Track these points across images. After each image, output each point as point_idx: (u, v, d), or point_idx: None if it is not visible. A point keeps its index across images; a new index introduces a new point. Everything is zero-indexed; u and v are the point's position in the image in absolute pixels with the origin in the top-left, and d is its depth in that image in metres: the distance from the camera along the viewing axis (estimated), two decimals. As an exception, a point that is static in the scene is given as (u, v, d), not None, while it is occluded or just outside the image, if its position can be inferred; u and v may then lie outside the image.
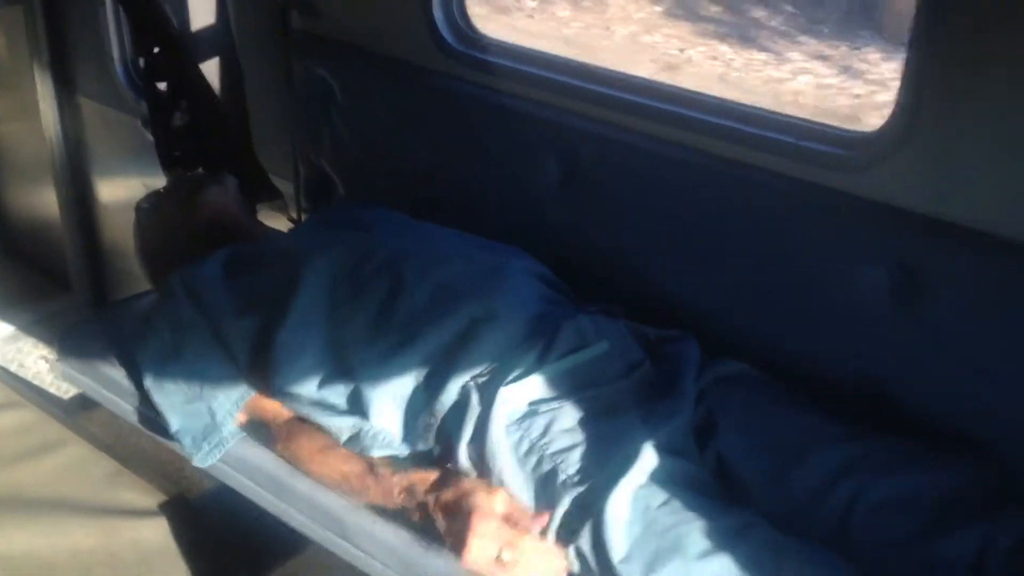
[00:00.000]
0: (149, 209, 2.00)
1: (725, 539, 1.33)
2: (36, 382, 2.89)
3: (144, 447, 2.61)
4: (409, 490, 1.49)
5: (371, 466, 1.54)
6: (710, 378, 1.60)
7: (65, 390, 2.89)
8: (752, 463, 1.50)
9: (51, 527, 2.26)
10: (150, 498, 2.36)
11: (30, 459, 2.46)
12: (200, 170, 2.12)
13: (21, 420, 2.60)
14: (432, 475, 1.49)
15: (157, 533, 2.28)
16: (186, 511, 2.35)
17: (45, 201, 3.04)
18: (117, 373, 1.82)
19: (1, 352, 2.95)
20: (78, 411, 2.76)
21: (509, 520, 1.41)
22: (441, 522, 1.44)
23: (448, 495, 1.45)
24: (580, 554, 1.38)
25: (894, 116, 1.51)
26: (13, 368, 2.91)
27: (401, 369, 1.56)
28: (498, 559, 1.38)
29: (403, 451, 1.56)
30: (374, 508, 1.54)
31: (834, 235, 1.61)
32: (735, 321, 1.72)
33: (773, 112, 1.68)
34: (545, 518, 1.41)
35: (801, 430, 1.53)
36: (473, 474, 1.49)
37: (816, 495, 1.44)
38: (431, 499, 1.46)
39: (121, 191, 2.91)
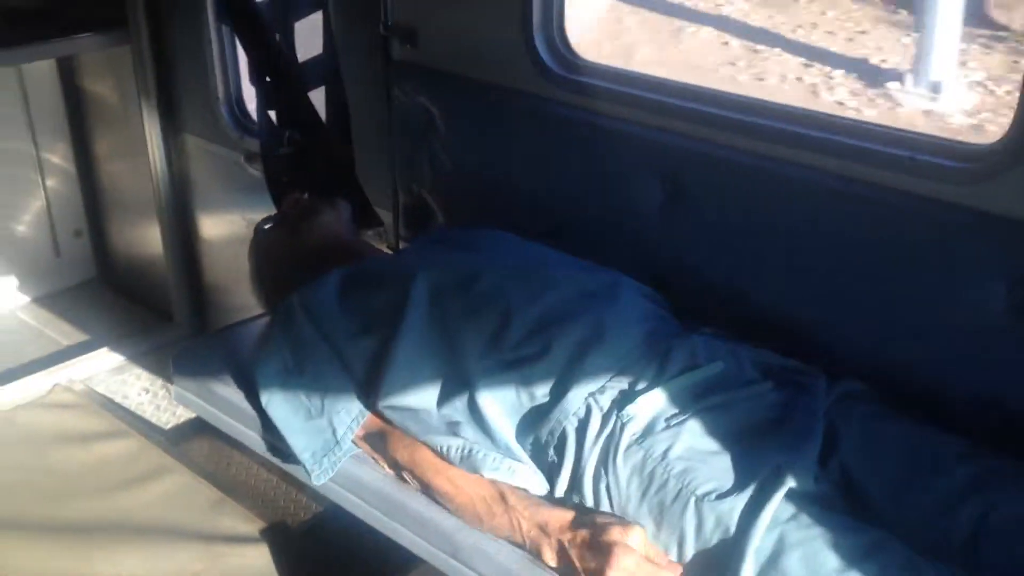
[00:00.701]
0: (267, 231, 2.04)
1: (857, 557, 1.28)
2: (139, 412, 2.96)
3: (244, 475, 2.65)
4: (542, 527, 1.47)
5: (503, 495, 1.52)
6: (832, 396, 1.56)
7: (166, 420, 2.95)
8: (877, 478, 1.46)
9: (158, 552, 2.31)
10: (251, 525, 2.40)
11: (136, 486, 2.53)
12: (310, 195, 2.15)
13: (126, 449, 2.68)
14: (568, 514, 1.47)
15: (259, 559, 2.31)
16: (286, 537, 2.38)
17: (149, 236, 3.12)
18: (231, 394, 1.84)
19: (106, 383, 3.02)
20: (180, 440, 2.82)
21: (647, 558, 1.39)
22: (578, 560, 1.42)
23: (584, 532, 1.43)
24: None
25: (1014, 126, 1.48)
26: (118, 399, 2.98)
27: (513, 387, 1.55)
28: None
29: (513, 474, 1.53)
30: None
31: (952, 250, 1.57)
32: (851, 341, 1.68)
33: (884, 125, 1.65)
34: (679, 569, 1.38)
35: (925, 446, 1.49)
36: (603, 504, 1.46)
37: (944, 511, 1.39)
38: (567, 537, 1.44)
39: (223, 227, 2.98)
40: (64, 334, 3.20)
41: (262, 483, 2.63)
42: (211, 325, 3.13)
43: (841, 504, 1.43)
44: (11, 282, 3.32)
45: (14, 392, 2.87)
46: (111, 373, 3.05)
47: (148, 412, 2.96)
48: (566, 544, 1.43)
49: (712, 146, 1.80)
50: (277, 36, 2.14)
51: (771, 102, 1.78)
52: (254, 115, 2.33)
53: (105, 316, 3.30)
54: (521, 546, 1.49)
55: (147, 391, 3.04)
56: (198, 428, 2.74)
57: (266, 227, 2.06)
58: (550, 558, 1.46)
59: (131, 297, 3.39)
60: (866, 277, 1.66)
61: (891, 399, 1.60)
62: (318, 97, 2.26)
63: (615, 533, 1.40)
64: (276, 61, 2.12)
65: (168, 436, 2.84)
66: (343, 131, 2.22)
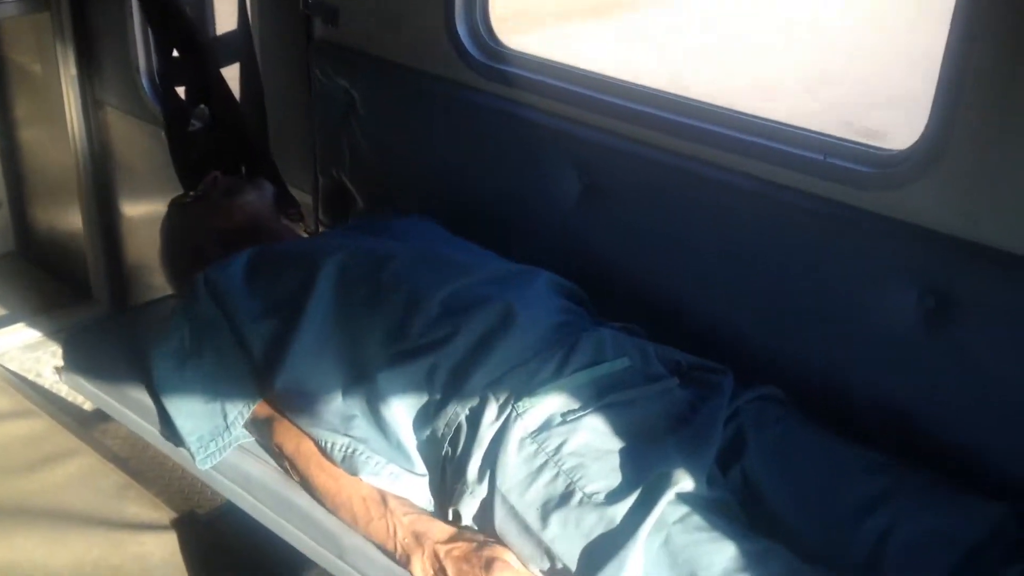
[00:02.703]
0: (181, 208, 1.97)
1: (741, 564, 1.25)
2: (54, 391, 2.87)
3: (156, 461, 2.58)
4: (418, 536, 1.42)
5: (384, 498, 1.47)
6: (740, 400, 1.53)
7: (82, 401, 2.87)
8: (780, 488, 1.43)
9: (56, 537, 2.23)
10: (158, 512, 2.33)
11: (40, 468, 2.44)
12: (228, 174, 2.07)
13: (34, 429, 2.59)
14: (448, 528, 1.43)
15: (163, 548, 2.25)
16: (194, 527, 2.31)
17: (69, 210, 3.03)
18: (127, 381, 1.78)
19: (19, 360, 2.94)
20: (93, 422, 2.74)
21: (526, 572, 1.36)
22: (452, 572, 1.37)
23: (463, 545, 1.39)
24: None
25: (926, 133, 1.45)
26: (31, 377, 2.89)
27: (414, 376, 1.50)
28: None
29: (395, 481, 1.49)
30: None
31: (863, 257, 1.54)
32: (759, 343, 1.66)
33: (801, 128, 1.62)
34: None
35: (832, 457, 1.47)
36: (487, 492, 1.42)
37: (847, 525, 1.37)
38: (443, 549, 1.39)
39: (144, 202, 2.90)
40: (-23, 308, 3.11)
41: (172, 470, 2.56)
42: (131, 302, 3.05)
43: (739, 511, 1.41)
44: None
45: (-80, 366, 2.78)
46: (24, 350, 2.97)
47: (62, 392, 2.88)
48: (440, 555, 1.39)
49: (628, 141, 1.77)
50: (187, 9, 2.06)
51: (689, 99, 1.74)
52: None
53: (22, 291, 3.20)
54: (392, 554, 1.44)
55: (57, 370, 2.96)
56: (112, 411, 2.68)
57: (182, 203, 1.98)
58: (419, 569, 1.41)
59: (50, 272, 3.30)
60: (778, 280, 1.63)
61: (802, 406, 1.58)
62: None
63: (496, 549, 1.36)
64: (187, 35, 2.04)
65: (81, 418, 2.76)
66: (257, 110, 2.15)
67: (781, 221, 1.61)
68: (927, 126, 1.45)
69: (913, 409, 1.52)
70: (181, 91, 2.16)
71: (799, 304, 1.61)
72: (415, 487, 1.49)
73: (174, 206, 2.02)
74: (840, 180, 1.54)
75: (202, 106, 2.12)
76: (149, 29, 2.22)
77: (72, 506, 2.34)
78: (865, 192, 1.53)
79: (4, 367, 2.86)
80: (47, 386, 2.88)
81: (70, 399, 2.86)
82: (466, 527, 1.43)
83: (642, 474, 1.35)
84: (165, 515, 2.32)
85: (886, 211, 1.51)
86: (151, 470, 2.52)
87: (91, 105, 2.85)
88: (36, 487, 2.39)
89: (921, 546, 1.32)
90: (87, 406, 2.84)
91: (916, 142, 1.48)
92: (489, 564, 1.34)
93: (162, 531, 2.29)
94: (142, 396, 1.73)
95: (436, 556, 1.39)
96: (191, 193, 2.05)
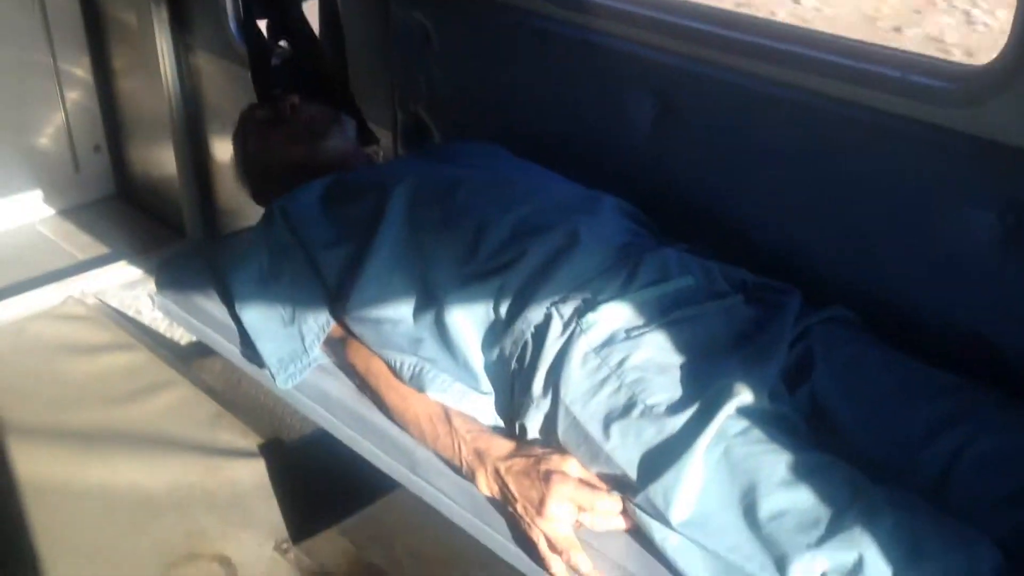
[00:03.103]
0: (259, 129, 2.01)
1: (803, 474, 1.25)
2: (153, 327, 2.99)
3: (246, 391, 2.68)
4: (479, 453, 1.45)
5: (448, 415, 1.51)
6: (810, 320, 1.52)
7: (180, 335, 2.99)
8: (849, 409, 1.41)
9: (153, 462, 2.35)
10: (248, 440, 2.43)
11: (139, 398, 2.57)
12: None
13: (134, 361, 2.72)
14: (508, 443, 1.46)
15: (253, 473, 2.34)
16: (281, 453, 2.41)
17: (163, 152, 3.13)
18: (214, 306, 1.84)
19: (120, 297, 3.06)
20: (188, 356, 2.86)
21: (585, 481, 1.38)
22: (515, 487, 1.40)
23: (521, 461, 1.41)
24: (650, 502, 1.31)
25: (1007, 48, 1.40)
26: (131, 313, 3.02)
27: (483, 297, 1.53)
28: (577, 521, 1.35)
29: (461, 399, 1.52)
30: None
31: (941, 174, 1.50)
32: (832, 264, 1.64)
33: (878, 45, 1.58)
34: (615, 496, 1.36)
35: (904, 377, 1.44)
36: (551, 405, 1.44)
37: (917, 445, 1.35)
38: (503, 466, 1.42)
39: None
40: (81, 248, 3.24)
41: (262, 398, 2.65)
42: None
43: (804, 427, 1.40)
44: (31, 196, 3.35)
45: (28, 303, 2.92)
46: (124, 287, 3.09)
47: (161, 327, 3.00)
48: (502, 471, 1.41)
49: (703, 64, 1.75)
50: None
51: (763, 20, 1.72)
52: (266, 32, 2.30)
53: (122, 231, 3.32)
54: (459, 469, 1.48)
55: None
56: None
57: (257, 119, 2.01)
58: (484, 485, 1.44)
59: (147, 213, 3.42)
60: (854, 201, 1.61)
61: (874, 327, 1.55)
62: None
63: (553, 462, 1.38)
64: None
65: (175, 350, 2.88)
66: (337, 45, 2.18)
67: (857, 140, 1.58)
68: (1008, 41, 1.40)
69: (989, 330, 1.48)
70: (264, 28, 2.21)
71: (874, 225, 1.58)
72: (481, 405, 1.52)
73: (250, 120, 2.06)
74: (918, 97, 1.50)
75: (283, 42, 2.16)
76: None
77: (168, 433, 2.45)
78: (943, 108, 1.48)
79: (106, 303, 3.00)
80: (146, 322, 3.00)
81: (168, 335, 2.98)
82: (530, 441, 1.45)
83: (703, 388, 1.35)
84: (254, 442, 2.42)
85: (965, 128, 1.46)
86: (242, 401, 2.62)
87: (182, 50, 2.93)
88: (135, 415, 2.51)
89: (989, 464, 1.30)
90: (183, 340, 2.96)
91: (996, 57, 1.43)
92: (547, 477, 1.36)
93: (252, 457, 2.38)
94: (227, 320, 1.79)
95: (497, 472, 1.42)
96: (265, 112, 2.07)
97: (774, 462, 1.27)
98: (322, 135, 2.00)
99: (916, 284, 1.56)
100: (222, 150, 3.01)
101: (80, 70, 3.30)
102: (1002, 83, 1.42)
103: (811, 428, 1.42)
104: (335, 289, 1.65)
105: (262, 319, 1.71)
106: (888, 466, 1.35)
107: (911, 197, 1.54)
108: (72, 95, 3.32)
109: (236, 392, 2.65)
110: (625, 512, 1.36)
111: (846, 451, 1.36)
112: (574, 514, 1.36)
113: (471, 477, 1.46)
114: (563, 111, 2.00)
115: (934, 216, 1.52)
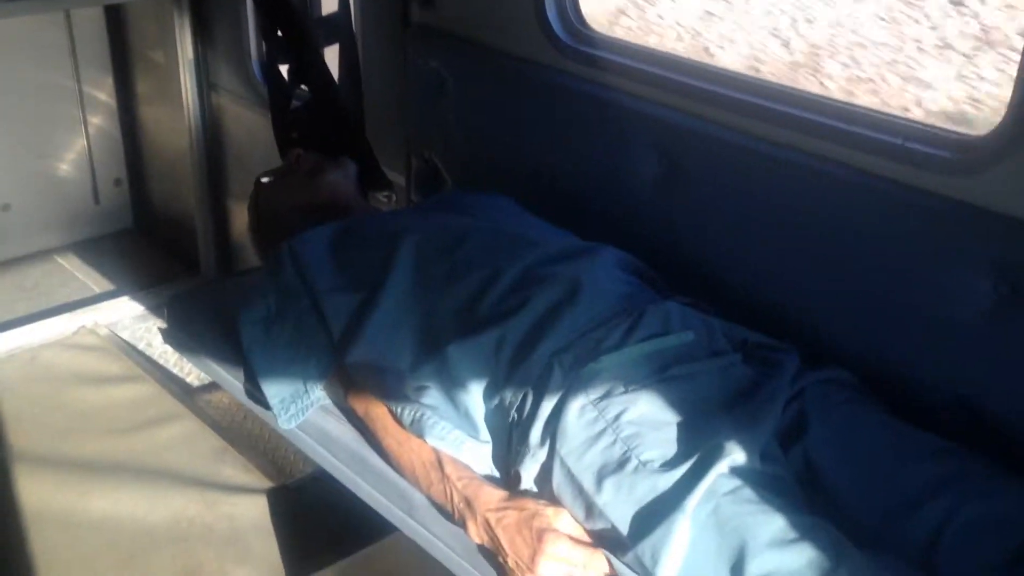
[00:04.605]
0: (268, 184, 2.06)
1: (790, 536, 1.26)
2: (162, 360, 3.02)
3: (251, 428, 2.70)
4: (469, 501, 1.46)
5: (440, 463, 1.52)
6: (807, 380, 1.53)
7: (187, 371, 3.02)
8: (841, 471, 1.42)
9: (154, 495, 2.38)
10: (251, 476, 2.45)
11: (145, 430, 2.60)
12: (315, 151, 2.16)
13: (141, 394, 2.75)
14: (498, 493, 1.46)
15: (253, 510, 2.36)
16: (283, 493, 2.42)
17: (182, 188, 3.19)
18: (222, 344, 1.87)
19: (132, 329, 3.10)
20: (196, 390, 2.88)
21: (577, 539, 1.38)
22: (506, 543, 1.40)
23: (513, 514, 1.42)
24: (639, 561, 1.31)
25: (1005, 119, 1.43)
26: (141, 346, 3.05)
27: (485, 346, 1.54)
28: None
29: (459, 447, 1.53)
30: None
31: (938, 242, 1.53)
32: (830, 325, 1.65)
33: (880, 111, 1.61)
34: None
35: (896, 440, 1.45)
36: (546, 456, 1.44)
37: (906, 509, 1.36)
38: (493, 517, 1.43)
39: (251, 182, 3.02)
40: (95, 280, 3.30)
41: (267, 436, 2.67)
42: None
43: (795, 488, 1.40)
44: (51, 226, 3.41)
45: (42, 332, 2.97)
46: (136, 320, 3.13)
47: (170, 360, 3.03)
48: (492, 523, 1.42)
49: (709, 124, 1.78)
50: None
51: (769, 82, 1.75)
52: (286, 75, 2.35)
53: (137, 264, 3.38)
54: (451, 516, 1.49)
55: (166, 337, 3.11)
56: (214, 378, 2.81)
57: (265, 180, 2.07)
58: (474, 534, 1.45)
59: (163, 247, 3.47)
60: (851, 263, 1.63)
61: (869, 389, 1.57)
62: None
63: (545, 518, 1.38)
64: (289, 16, 2.13)
65: (183, 386, 2.90)
66: (354, 90, 2.23)
67: (857, 204, 1.61)
68: (1007, 112, 1.43)
69: (981, 396, 1.49)
70: (285, 72, 2.26)
71: (871, 287, 1.60)
72: (478, 453, 1.53)
73: (259, 182, 2.12)
74: (917, 164, 1.53)
75: (303, 86, 2.21)
76: (253, 11, 2.31)
77: (172, 466, 2.47)
78: (942, 177, 1.51)
79: (118, 335, 3.04)
80: (156, 355, 3.03)
81: (175, 369, 3.01)
82: (521, 491, 1.46)
83: (697, 445, 1.36)
84: (256, 479, 2.44)
85: (963, 196, 1.49)
86: (246, 438, 2.64)
87: (206, 88, 2.99)
88: (140, 447, 2.54)
89: (977, 532, 1.30)
90: (191, 376, 2.98)
91: (995, 128, 1.46)
92: (540, 535, 1.36)
93: (253, 494, 2.40)
94: (233, 358, 1.81)
95: (487, 523, 1.43)
96: (279, 169, 2.14)
97: (763, 522, 1.28)
98: (320, 171, 2.05)
99: (911, 347, 1.57)
100: (239, 188, 3.07)
101: (105, 103, 3.38)
102: (999, 153, 1.44)
103: (803, 488, 1.43)
104: (340, 334, 1.67)
105: (267, 359, 1.73)
106: (878, 529, 1.36)
107: (908, 261, 1.56)
108: (95, 128, 3.40)
109: (241, 428, 2.67)
110: (614, 572, 1.36)
111: (837, 512, 1.37)
112: (565, 572, 1.36)
113: (463, 525, 1.47)
114: (572, 162, 2.03)
115: (931, 281, 1.53)
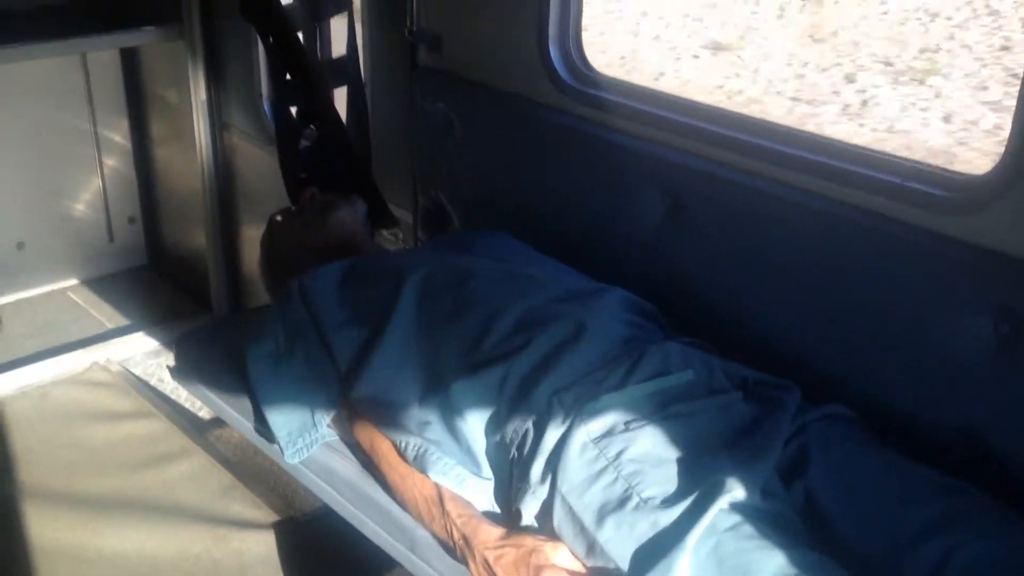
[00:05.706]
0: (282, 222, 2.10)
1: (791, 573, 1.27)
2: (173, 396, 3.05)
3: (261, 464, 2.71)
4: (468, 538, 1.48)
5: (441, 499, 1.53)
6: (808, 417, 1.54)
7: (199, 407, 3.04)
8: (843, 508, 1.43)
9: (163, 530, 2.39)
10: (259, 513, 2.46)
11: (155, 466, 2.61)
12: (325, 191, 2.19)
13: (151, 429, 2.77)
14: (497, 530, 1.47)
15: (261, 545, 2.37)
16: (291, 528, 2.43)
17: (194, 226, 3.22)
18: (230, 380, 1.89)
19: (143, 366, 3.12)
20: (205, 426, 2.90)
21: (575, 574, 1.39)
22: None
23: (511, 552, 1.43)
24: None
25: (1004, 158, 1.45)
26: (152, 382, 3.08)
27: (488, 383, 1.56)
28: None
29: (461, 483, 1.54)
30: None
31: (937, 280, 1.54)
32: (831, 363, 1.67)
33: (879, 151, 1.63)
34: None
35: (898, 477, 1.46)
36: (547, 492, 1.45)
37: (907, 546, 1.36)
38: (492, 555, 1.44)
39: (262, 220, 3.05)
40: (108, 316, 3.33)
41: (277, 472, 2.68)
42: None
43: (797, 525, 1.41)
44: (65, 263, 3.46)
45: (55, 368, 2.99)
46: (147, 356, 3.16)
47: (181, 396, 3.05)
48: (490, 560, 1.43)
49: (712, 164, 1.81)
50: (300, 35, 2.19)
51: (771, 123, 1.77)
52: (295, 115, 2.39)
53: (149, 302, 3.41)
54: (453, 552, 1.50)
55: (176, 374, 3.13)
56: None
57: (279, 218, 2.11)
58: (475, 572, 1.46)
59: (176, 284, 3.50)
60: (852, 302, 1.64)
61: (870, 426, 1.58)
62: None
63: (543, 556, 1.39)
64: (298, 59, 2.17)
65: (193, 422, 2.92)
66: (362, 131, 2.27)
67: (858, 243, 1.62)
68: (1005, 152, 1.45)
69: (984, 434, 1.50)
70: (294, 113, 2.30)
71: (872, 326, 1.61)
72: (480, 490, 1.54)
73: (273, 221, 2.15)
74: (917, 204, 1.55)
75: (311, 126, 2.25)
76: (264, 53, 2.36)
77: (181, 502, 2.49)
78: (941, 216, 1.53)
79: (130, 371, 3.06)
80: (167, 391, 3.06)
81: (187, 404, 3.03)
82: (521, 528, 1.47)
83: (698, 482, 1.37)
84: (265, 515, 2.45)
85: (962, 235, 1.50)
86: (256, 473, 2.65)
87: (218, 128, 3.03)
88: (150, 483, 2.55)
89: (980, 569, 1.30)
90: (202, 412, 3.00)
91: (993, 167, 1.48)
92: (538, 572, 1.37)
93: (262, 530, 2.41)
94: (241, 396, 1.84)
95: (486, 561, 1.43)
96: (289, 209, 2.18)
97: (764, 558, 1.29)
98: (332, 209, 2.08)
99: (913, 384, 1.58)
100: (251, 227, 3.10)
101: (119, 144, 3.43)
102: (998, 193, 1.46)
103: (805, 524, 1.43)
104: (346, 369, 1.70)
105: (275, 393, 1.76)
106: (880, 566, 1.36)
107: (909, 300, 1.57)
108: (110, 168, 3.44)
109: (251, 465, 2.68)
110: None
111: (838, 548, 1.38)
112: None
113: (463, 561, 1.48)
114: (577, 202, 2.06)
115: (931, 320, 1.55)
